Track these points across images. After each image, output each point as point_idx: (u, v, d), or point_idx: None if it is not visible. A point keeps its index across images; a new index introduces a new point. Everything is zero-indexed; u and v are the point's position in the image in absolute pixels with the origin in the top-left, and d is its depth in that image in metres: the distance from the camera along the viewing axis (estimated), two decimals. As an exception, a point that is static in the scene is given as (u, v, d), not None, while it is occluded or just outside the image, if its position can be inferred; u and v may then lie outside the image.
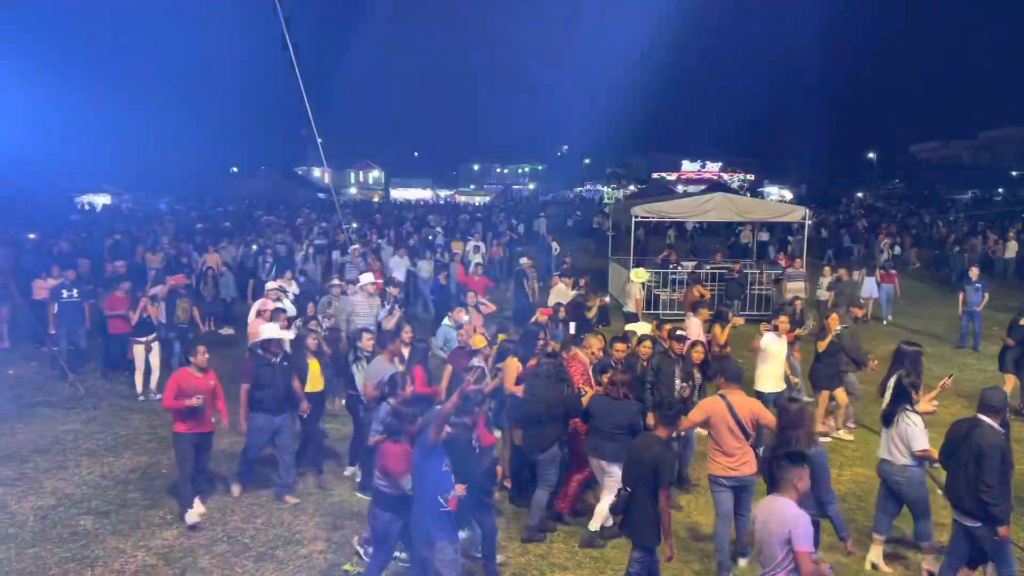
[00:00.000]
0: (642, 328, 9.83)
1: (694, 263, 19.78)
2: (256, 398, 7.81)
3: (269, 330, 8.29)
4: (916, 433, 6.31)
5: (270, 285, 11.91)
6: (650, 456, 5.65)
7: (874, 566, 6.75)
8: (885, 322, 17.55)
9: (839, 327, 9.96)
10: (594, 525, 7.11)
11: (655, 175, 78.34)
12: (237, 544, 7.05)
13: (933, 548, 6.65)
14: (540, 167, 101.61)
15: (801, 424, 5.76)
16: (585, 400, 7.39)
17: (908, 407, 6.46)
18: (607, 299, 14.78)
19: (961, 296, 15.35)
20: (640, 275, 14.43)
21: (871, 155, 76.16)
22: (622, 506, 5.84)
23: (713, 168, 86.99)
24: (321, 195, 49.40)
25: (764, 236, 26.46)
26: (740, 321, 10.89)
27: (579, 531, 7.30)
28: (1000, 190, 62.66)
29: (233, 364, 12.93)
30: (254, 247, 20.36)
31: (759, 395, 9.40)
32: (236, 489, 8.10)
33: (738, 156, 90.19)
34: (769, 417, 6.39)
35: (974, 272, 15.62)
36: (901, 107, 57.48)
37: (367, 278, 12.31)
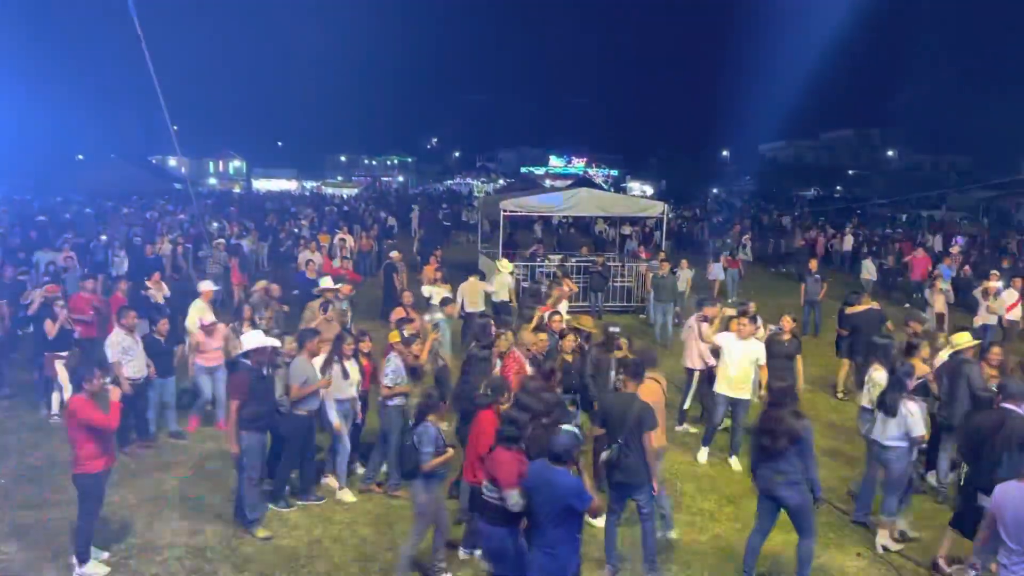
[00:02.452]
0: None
1: (561, 256, 20.24)
2: (251, 415, 7.01)
3: (253, 339, 7.44)
4: (917, 422, 6.97)
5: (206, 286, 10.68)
6: (634, 411, 6.28)
7: (885, 549, 7.14)
8: (730, 301, 18.64)
9: (774, 328, 9.85)
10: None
11: (524, 169, 79.37)
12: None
13: (891, 522, 7.20)
14: (410, 159, 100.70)
15: (789, 401, 6.24)
16: None
17: (905, 395, 7.05)
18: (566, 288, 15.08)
19: (803, 287, 16.63)
20: (506, 266, 15.04)
21: (725, 153, 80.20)
22: (616, 458, 6.24)
23: (579, 163, 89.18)
24: (177, 186, 46.96)
25: (627, 230, 27.40)
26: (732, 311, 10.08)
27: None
28: (838, 187, 67.84)
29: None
30: (103, 238, 19.20)
31: (714, 395, 9.31)
32: (262, 532, 7.10)
33: (603, 152, 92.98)
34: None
35: (813, 265, 17.00)
36: (751, 108, 61.00)
37: (327, 282, 11.62)
